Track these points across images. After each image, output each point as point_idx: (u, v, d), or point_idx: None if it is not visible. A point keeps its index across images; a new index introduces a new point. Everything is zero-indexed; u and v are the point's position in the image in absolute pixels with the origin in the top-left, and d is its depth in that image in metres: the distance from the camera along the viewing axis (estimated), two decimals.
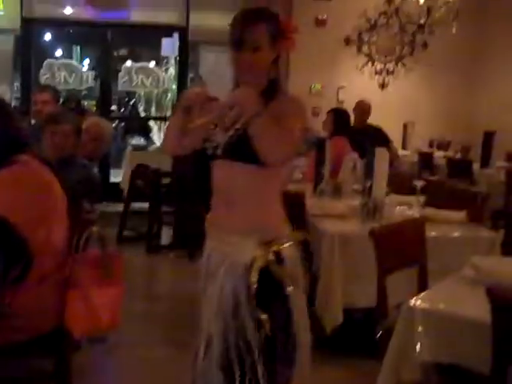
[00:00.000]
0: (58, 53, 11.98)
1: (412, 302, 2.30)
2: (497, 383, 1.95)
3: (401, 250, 2.83)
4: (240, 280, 2.11)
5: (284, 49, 2.21)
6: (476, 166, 6.46)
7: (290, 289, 2.14)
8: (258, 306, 2.10)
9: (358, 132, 6.52)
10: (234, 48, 2.12)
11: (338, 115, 5.60)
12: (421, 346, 2.21)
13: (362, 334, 3.91)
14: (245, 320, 2.10)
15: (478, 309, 2.12)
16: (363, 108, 6.82)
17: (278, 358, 2.16)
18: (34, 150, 2.70)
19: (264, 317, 2.09)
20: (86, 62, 11.94)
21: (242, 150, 2.06)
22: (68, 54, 11.51)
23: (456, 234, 3.63)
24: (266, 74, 2.17)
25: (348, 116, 5.64)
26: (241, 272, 2.11)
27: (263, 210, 2.14)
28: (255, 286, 2.09)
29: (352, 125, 6.78)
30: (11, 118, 2.68)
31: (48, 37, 12.07)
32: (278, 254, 2.12)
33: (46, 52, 10.81)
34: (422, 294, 2.48)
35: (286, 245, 2.15)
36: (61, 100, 6.77)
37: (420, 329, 2.22)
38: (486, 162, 6.67)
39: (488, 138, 6.76)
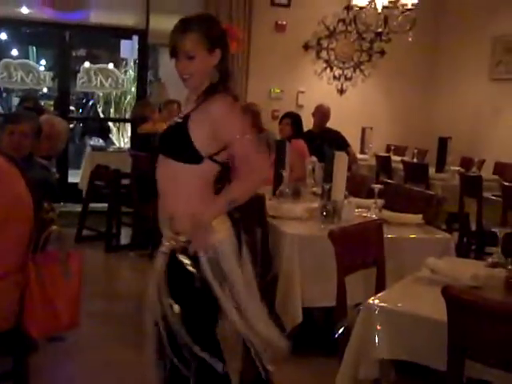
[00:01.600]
0: (15, 52, 11.78)
1: (370, 301, 2.34)
2: (453, 378, 2.00)
3: (359, 250, 2.88)
4: (160, 268, 2.27)
5: (230, 51, 2.31)
6: (431, 171, 6.59)
7: (197, 280, 2.21)
8: (173, 294, 2.23)
9: (317, 136, 6.61)
10: (171, 56, 2.26)
11: (295, 119, 5.67)
12: (379, 343, 2.26)
13: (322, 333, 3.96)
14: (165, 308, 2.24)
15: (434, 307, 2.17)
16: (323, 112, 6.90)
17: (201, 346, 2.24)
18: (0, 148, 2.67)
19: (175, 306, 2.22)
20: (44, 62, 11.77)
21: (165, 145, 2.27)
22: (24, 54, 11.33)
23: (412, 236, 3.70)
24: (207, 78, 2.26)
25: (300, 119, 5.76)
26: (160, 262, 2.28)
27: (181, 202, 2.25)
28: (163, 273, 2.24)
29: (311, 128, 6.87)
30: None
31: (4, 36, 11.87)
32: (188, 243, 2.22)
33: (2, 52, 10.63)
34: (381, 293, 2.53)
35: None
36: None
37: (378, 327, 2.27)
38: (441, 166, 6.80)
39: (443, 143, 6.90)
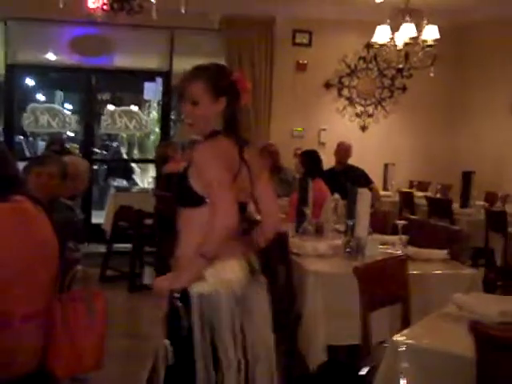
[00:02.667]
0: (41, 97, 12.04)
1: (396, 338, 2.31)
2: None
3: (384, 287, 2.86)
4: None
5: (239, 102, 2.42)
6: (456, 206, 6.53)
7: (184, 324, 2.30)
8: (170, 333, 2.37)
9: (340, 173, 6.61)
10: (178, 99, 2.42)
11: (307, 157, 5.59)
12: (405, 381, 2.22)
13: (346, 372, 3.90)
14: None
15: (461, 345, 2.13)
16: (343, 149, 6.92)
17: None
18: (27, 191, 2.72)
19: (167, 343, 2.35)
20: (69, 105, 12.00)
21: (174, 192, 2.49)
22: (51, 98, 11.57)
23: (438, 272, 3.66)
24: (211, 124, 2.37)
25: (318, 157, 5.64)
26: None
27: (186, 244, 2.36)
28: (165, 312, 2.42)
29: (334, 166, 6.88)
30: (8, 159, 2.71)
31: (31, 82, 12.15)
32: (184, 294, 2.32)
33: (29, 96, 10.87)
34: (406, 330, 2.49)
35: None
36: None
37: (404, 364, 2.23)
38: (465, 201, 6.74)
39: (467, 177, 6.85)
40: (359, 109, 8.83)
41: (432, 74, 7.10)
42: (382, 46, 7.00)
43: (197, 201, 2.29)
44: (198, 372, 2.29)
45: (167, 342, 2.33)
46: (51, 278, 2.64)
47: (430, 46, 6.79)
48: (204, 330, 2.28)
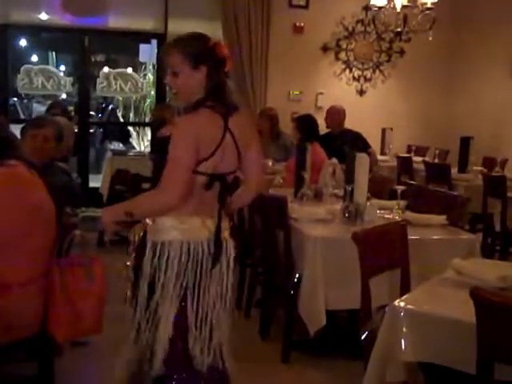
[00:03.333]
0: (35, 58, 11.90)
1: (396, 303, 2.31)
2: (482, 382, 1.96)
3: (383, 252, 2.85)
4: None
5: (222, 69, 2.42)
6: (454, 171, 6.52)
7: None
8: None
9: (337, 137, 6.57)
10: (163, 72, 2.48)
11: (303, 122, 5.54)
12: (405, 346, 2.23)
13: (346, 336, 3.94)
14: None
15: (461, 309, 2.15)
16: (333, 113, 6.82)
17: None
18: (22, 155, 2.70)
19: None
20: (63, 67, 11.87)
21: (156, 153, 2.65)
22: (44, 60, 11.43)
23: (436, 237, 3.67)
24: (196, 92, 2.39)
25: (314, 121, 5.58)
26: None
27: None
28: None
29: (331, 130, 6.83)
30: (0, 123, 2.70)
31: (24, 42, 11.99)
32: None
33: (22, 58, 10.73)
34: (406, 295, 2.50)
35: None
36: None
37: (404, 329, 2.24)
38: (463, 166, 6.73)
39: (465, 143, 6.83)
40: (357, 73, 8.75)
41: (431, 38, 7.02)
42: (380, 8, 6.90)
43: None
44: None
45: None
46: (49, 243, 2.65)
47: (429, 8, 6.70)
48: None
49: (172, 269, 2.40)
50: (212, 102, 2.38)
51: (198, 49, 2.37)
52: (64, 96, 9.85)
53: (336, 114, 6.77)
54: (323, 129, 6.63)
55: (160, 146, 7.23)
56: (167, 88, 8.98)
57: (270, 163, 5.78)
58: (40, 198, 2.63)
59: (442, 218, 3.84)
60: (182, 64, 2.35)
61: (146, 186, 6.38)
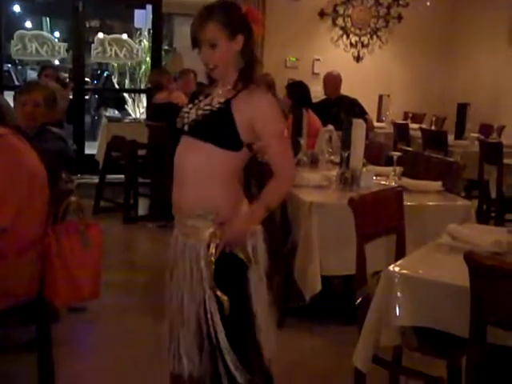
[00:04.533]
0: (28, 24, 11.77)
1: (391, 268, 2.32)
2: (475, 345, 1.98)
3: (379, 217, 2.85)
4: (202, 260, 2.19)
5: (253, 37, 2.28)
6: (450, 138, 6.51)
7: (248, 265, 2.22)
8: (218, 285, 2.17)
9: (334, 103, 6.53)
10: (193, 47, 2.24)
11: (293, 89, 5.49)
12: (400, 311, 2.24)
13: (341, 302, 3.97)
14: (207, 300, 2.19)
15: (455, 274, 2.15)
16: (331, 78, 6.78)
17: (238, 339, 2.22)
18: (12, 122, 2.67)
19: (223, 296, 2.16)
20: (57, 33, 11.75)
21: (204, 129, 2.19)
22: (38, 26, 11.31)
23: (432, 203, 3.67)
24: (234, 65, 2.24)
25: (305, 88, 5.53)
26: (202, 253, 2.19)
27: (217, 190, 2.21)
28: (213, 264, 2.17)
29: (325, 97, 6.79)
30: None
31: (17, 8, 11.85)
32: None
33: (16, 23, 10.61)
34: (401, 260, 2.51)
35: None
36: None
37: (399, 294, 2.25)
38: (460, 133, 6.72)
39: (462, 109, 6.81)
40: (354, 39, 8.69)
41: (429, 3, 6.97)
42: None
43: (238, 145, 2.19)
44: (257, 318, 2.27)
45: (222, 295, 2.17)
46: (43, 209, 2.64)
47: None
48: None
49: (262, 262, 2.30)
50: (253, 75, 2.26)
51: (234, 16, 2.22)
52: (57, 62, 9.76)
53: (332, 80, 6.71)
54: (319, 96, 6.60)
55: (157, 112, 7.11)
56: (162, 54, 8.94)
57: None
58: (32, 164, 2.62)
59: (437, 185, 3.85)
60: (220, 35, 2.17)
61: (142, 152, 6.38)
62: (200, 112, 2.21)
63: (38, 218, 2.64)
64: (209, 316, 2.19)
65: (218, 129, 2.17)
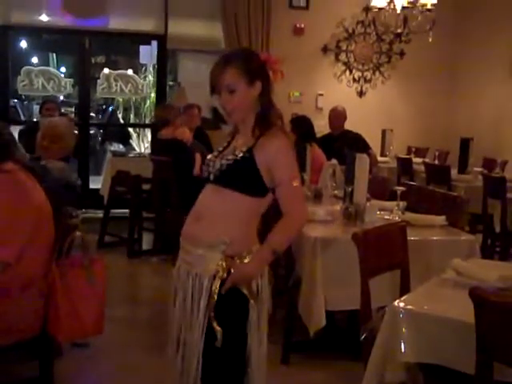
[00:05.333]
0: (35, 60, 11.91)
1: (396, 303, 2.32)
2: (482, 382, 1.97)
3: (383, 252, 2.85)
4: (204, 291, 2.22)
5: (271, 81, 2.32)
6: (454, 172, 6.52)
7: (251, 302, 2.24)
8: (217, 317, 2.19)
9: (337, 138, 6.57)
10: (212, 93, 2.29)
11: (296, 123, 5.52)
12: (405, 347, 2.23)
13: (345, 337, 3.94)
14: (200, 330, 2.21)
15: (460, 310, 2.15)
16: (336, 114, 6.83)
17: (226, 372, 2.26)
18: (18, 158, 2.70)
19: (218, 328, 2.18)
20: (63, 69, 11.88)
21: (230, 177, 2.24)
22: (45, 62, 11.44)
23: (436, 238, 3.67)
24: (251, 110, 2.28)
25: (308, 122, 5.55)
26: (206, 283, 2.22)
27: (234, 227, 2.24)
28: (215, 296, 2.19)
29: (331, 131, 6.84)
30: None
31: (24, 44, 12.00)
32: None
33: (22, 59, 10.75)
34: (406, 295, 2.50)
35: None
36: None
37: (404, 330, 2.24)
38: (463, 168, 6.74)
39: (465, 144, 6.83)
40: (357, 74, 8.76)
41: (430, 39, 7.02)
42: (380, 9, 6.92)
43: (263, 191, 2.25)
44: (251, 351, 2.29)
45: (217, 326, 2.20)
46: (48, 244, 2.65)
47: (428, 10, 6.71)
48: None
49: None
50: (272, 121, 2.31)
51: (252, 63, 2.27)
52: (61, 98, 9.84)
53: (338, 115, 6.79)
54: (323, 130, 6.65)
55: (162, 147, 7.14)
56: (167, 89, 9.03)
57: None
58: (39, 200, 2.65)
59: (441, 219, 3.84)
60: (239, 80, 2.22)
61: (146, 187, 6.40)
62: (224, 162, 2.25)
63: (43, 253, 2.65)
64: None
65: (244, 177, 2.23)
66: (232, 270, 2.20)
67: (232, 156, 2.25)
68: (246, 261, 2.23)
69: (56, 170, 3.75)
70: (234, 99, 2.24)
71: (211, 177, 2.28)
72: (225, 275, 2.20)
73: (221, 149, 2.37)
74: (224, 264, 2.21)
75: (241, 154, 2.24)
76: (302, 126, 5.39)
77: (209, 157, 2.36)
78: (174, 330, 2.32)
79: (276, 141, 2.25)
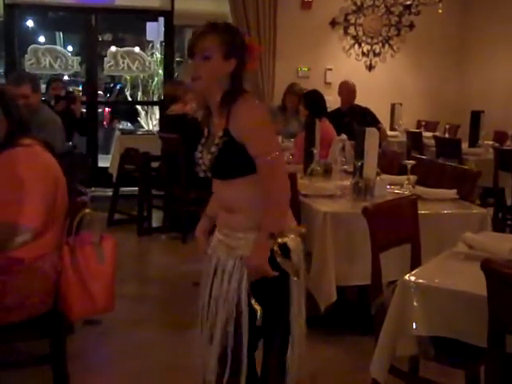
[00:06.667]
0: (42, 39, 11.87)
1: (407, 277, 2.30)
2: (494, 354, 1.96)
3: (394, 227, 2.84)
4: (245, 269, 2.19)
5: (247, 66, 2.28)
6: (464, 145, 6.47)
7: (294, 279, 2.23)
8: (259, 295, 2.18)
9: (346, 113, 6.53)
10: (188, 56, 2.24)
11: (308, 98, 5.45)
12: (416, 320, 2.22)
13: (356, 312, 3.94)
14: (243, 309, 2.19)
15: (471, 283, 2.14)
16: (347, 88, 6.79)
17: (269, 348, 2.27)
18: (34, 135, 2.77)
19: (256, 305, 2.17)
20: (70, 47, 11.84)
21: (223, 169, 2.21)
22: (51, 40, 11.40)
23: (447, 211, 3.64)
24: (219, 85, 2.21)
25: (320, 97, 5.50)
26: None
27: (256, 213, 2.19)
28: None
29: (339, 106, 6.80)
30: (14, 104, 2.76)
31: (31, 23, 11.95)
32: (283, 246, 2.19)
33: (29, 38, 10.71)
34: (417, 269, 2.49)
35: (291, 237, 2.22)
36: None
37: (415, 304, 2.23)
38: (474, 141, 6.68)
39: (475, 117, 6.77)
40: (366, 47, 8.67)
41: (440, 11, 6.94)
42: None
43: (253, 167, 2.18)
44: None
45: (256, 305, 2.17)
46: (61, 217, 2.69)
47: None
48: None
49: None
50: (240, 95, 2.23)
51: (234, 39, 2.22)
52: (66, 77, 9.81)
53: (348, 89, 6.75)
54: (331, 105, 6.60)
55: (170, 123, 7.08)
56: (175, 66, 8.98)
57: (280, 140, 5.74)
58: (57, 171, 2.72)
59: (452, 193, 3.82)
60: (217, 50, 2.17)
61: (155, 164, 6.39)
62: (210, 156, 2.20)
63: (56, 226, 2.67)
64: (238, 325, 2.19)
65: (235, 162, 2.18)
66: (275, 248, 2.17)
67: (214, 147, 2.19)
68: (286, 239, 2.19)
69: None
70: (206, 65, 2.18)
71: (208, 174, 2.26)
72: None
73: (203, 141, 2.32)
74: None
75: (220, 140, 2.18)
76: (314, 101, 5.33)
77: (197, 153, 2.30)
78: (205, 308, 2.30)
79: (243, 113, 2.17)
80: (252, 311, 2.18)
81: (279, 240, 2.18)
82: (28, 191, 2.52)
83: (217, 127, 2.23)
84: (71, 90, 8.55)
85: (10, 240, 2.51)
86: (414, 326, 2.22)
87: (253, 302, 2.17)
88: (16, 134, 2.65)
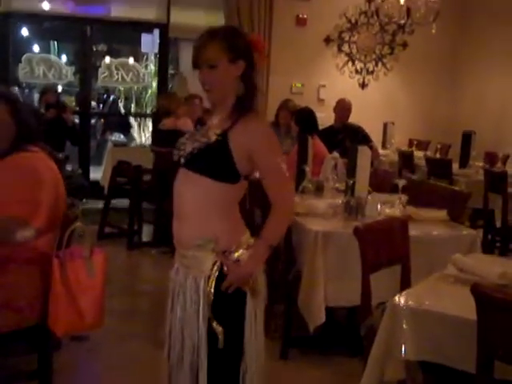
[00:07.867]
0: (36, 48, 11.84)
1: (396, 299, 2.30)
2: (482, 380, 1.96)
3: (384, 247, 2.84)
4: (202, 292, 2.17)
5: (255, 63, 2.24)
6: (455, 166, 6.50)
7: (248, 295, 2.19)
8: (216, 315, 2.15)
9: (339, 131, 6.55)
10: (193, 67, 2.20)
11: (300, 115, 5.47)
12: (405, 344, 2.21)
13: (345, 333, 3.93)
14: (201, 331, 2.16)
15: (461, 306, 2.14)
16: (344, 107, 6.82)
17: (225, 371, 2.21)
18: (41, 143, 2.80)
19: (219, 329, 2.14)
20: (64, 57, 11.82)
21: (200, 162, 2.15)
22: (46, 49, 11.38)
23: (437, 233, 3.64)
24: (231, 90, 2.20)
25: (312, 114, 5.45)
26: (202, 284, 2.17)
27: (215, 221, 2.17)
28: (211, 296, 2.15)
29: (332, 123, 6.81)
30: (26, 112, 2.79)
31: (26, 32, 11.93)
32: (236, 262, 2.16)
33: (23, 47, 10.69)
34: (407, 291, 2.48)
35: (243, 251, 2.18)
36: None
37: (404, 326, 2.22)
38: (464, 162, 6.71)
39: (466, 138, 6.80)
40: (359, 65, 8.72)
41: (434, 31, 6.98)
42: (383, 0, 6.87)
43: (235, 178, 2.16)
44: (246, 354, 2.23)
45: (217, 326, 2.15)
46: (56, 225, 2.69)
47: (432, 1, 6.66)
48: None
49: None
50: (252, 103, 2.23)
51: (237, 41, 2.19)
52: (60, 88, 9.80)
53: (344, 107, 6.77)
54: (324, 123, 6.61)
55: (163, 138, 7.04)
56: (168, 78, 8.99)
57: None
58: (58, 177, 2.77)
59: (442, 214, 3.83)
60: (220, 56, 2.13)
61: (147, 177, 6.38)
62: (196, 144, 2.16)
63: (51, 234, 2.67)
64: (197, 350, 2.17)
65: (215, 162, 2.14)
66: (225, 268, 2.14)
67: (205, 139, 2.16)
68: (237, 254, 2.16)
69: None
70: (214, 75, 2.15)
71: (182, 160, 2.20)
72: (217, 273, 2.15)
73: (193, 132, 2.29)
74: (218, 262, 2.15)
75: (214, 137, 2.15)
76: (305, 118, 5.34)
77: (181, 139, 2.27)
78: (173, 332, 2.27)
79: (259, 126, 2.19)
80: (213, 334, 2.14)
81: (235, 255, 2.16)
82: (45, 193, 2.61)
83: (215, 125, 2.21)
84: (63, 100, 8.54)
85: (14, 234, 2.54)
86: (403, 350, 2.21)
87: (214, 324, 2.14)
88: (24, 141, 2.72)
